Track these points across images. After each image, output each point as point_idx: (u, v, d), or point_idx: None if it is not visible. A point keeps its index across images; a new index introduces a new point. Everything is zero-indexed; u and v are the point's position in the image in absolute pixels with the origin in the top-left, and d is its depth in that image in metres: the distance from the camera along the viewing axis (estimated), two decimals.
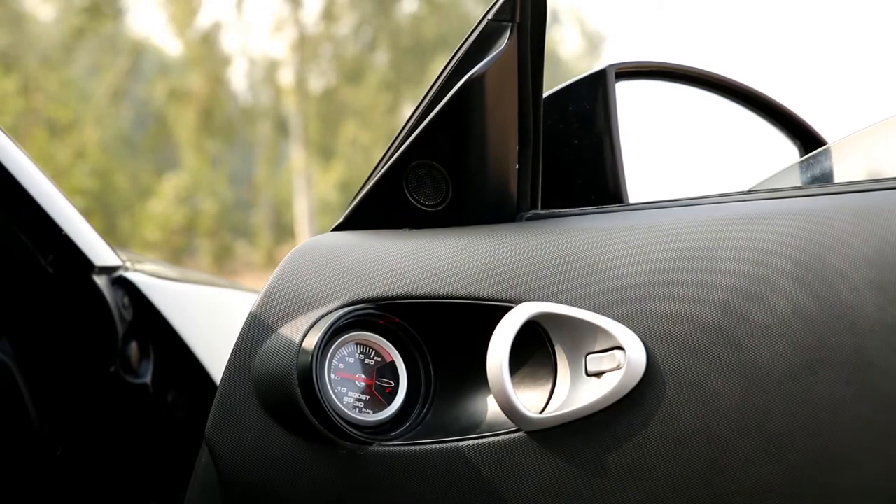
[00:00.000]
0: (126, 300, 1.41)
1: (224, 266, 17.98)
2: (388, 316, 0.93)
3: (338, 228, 1.03)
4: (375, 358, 0.93)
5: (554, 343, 0.87)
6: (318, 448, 0.89)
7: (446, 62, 0.98)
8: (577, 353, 0.85)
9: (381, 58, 19.54)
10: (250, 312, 0.95)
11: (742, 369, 0.79)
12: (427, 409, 0.93)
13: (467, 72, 0.95)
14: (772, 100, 1.43)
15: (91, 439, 1.43)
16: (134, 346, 1.42)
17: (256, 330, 0.94)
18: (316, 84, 19.29)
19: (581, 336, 0.85)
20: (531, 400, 0.87)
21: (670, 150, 1.46)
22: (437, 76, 0.99)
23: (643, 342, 0.82)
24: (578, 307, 0.86)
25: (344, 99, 19.15)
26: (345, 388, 0.91)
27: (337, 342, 0.91)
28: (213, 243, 18.40)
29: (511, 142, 0.98)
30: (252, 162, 20.31)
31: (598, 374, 0.84)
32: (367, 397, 0.92)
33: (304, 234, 16.70)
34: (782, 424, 0.77)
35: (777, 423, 0.77)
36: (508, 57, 0.96)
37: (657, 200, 0.96)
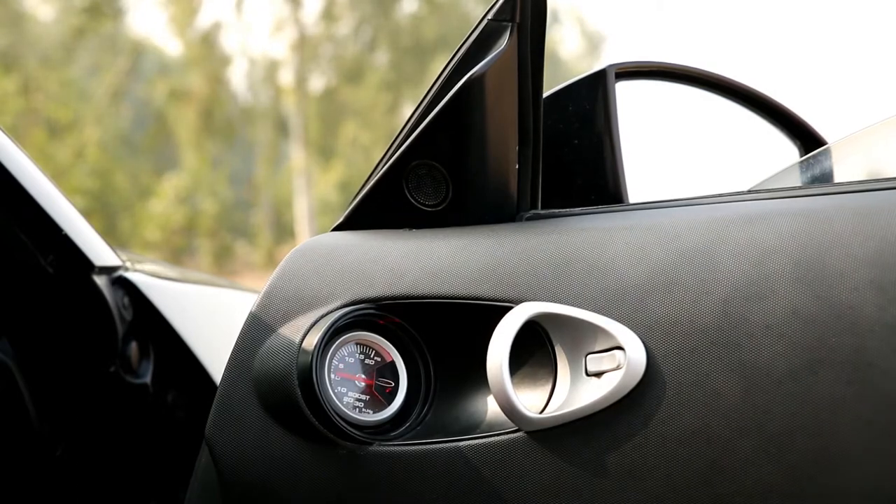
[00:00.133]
0: (126, 300, 1.41)
1: (224, 266, 17.96)
2: (388, 316, 0.93)
3: (338, 228, 1.03)
4: (375, 358, 0.93)
5: (554, 343, 0.86)
6: (318, 448, 0.89)
7: (446, 62, 0.98)
8: (577, 353, 0.85)
9: (381, 58, 19.54)
10: (250, 312, 0.95)
11: (742, 369, 0.79)
12: (427, 409, 0.93)
13: (467, 72, 0.95)
14: (772, 100, 1.43)
15: (91, 439, 1.43)
16: (134, 346, 1.42)
17: (256, 330, 0.94)
18: (316, 84, 19.30)
19: (581, 336, 0.85)
20: (531, 400, 0.86)
21: (670, 150, 1.46)
22: (437, 76, 0.99)
23: (643, 342, 0.82)
24: (578, 307, 0.86)
25: (344, 99, 19.14)
26: (345, 388, 0.91)
27: (337, 342, 0.91)
28: (213, 243, 18.39)
29: (511, 142, 0.98)
30: (252, 162, 20.29)
31: (598, 374, 0.84)
32: (367, 397, 0.92)
33: (304, 234, 16.69)
34: (782, 424, 0.77)
35: (777, 423, 0.77)
36: (508, 57, 0.96)
37: (657, 200, 0.96)
